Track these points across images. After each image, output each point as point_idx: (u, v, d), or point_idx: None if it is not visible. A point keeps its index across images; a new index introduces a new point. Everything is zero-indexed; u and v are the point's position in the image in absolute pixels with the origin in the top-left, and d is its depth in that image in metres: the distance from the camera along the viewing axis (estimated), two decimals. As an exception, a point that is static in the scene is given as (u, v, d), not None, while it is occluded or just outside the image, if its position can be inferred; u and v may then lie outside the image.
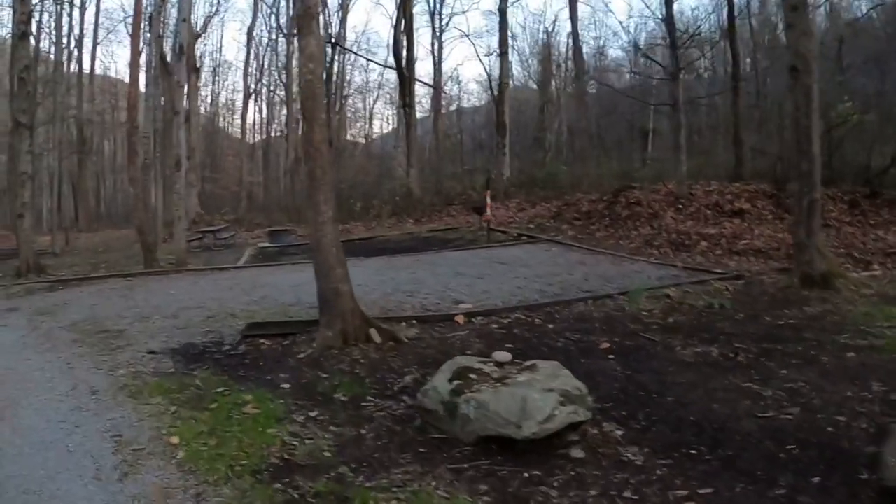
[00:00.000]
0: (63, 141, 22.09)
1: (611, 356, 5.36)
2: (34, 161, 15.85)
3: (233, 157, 37.04)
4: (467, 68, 79.57)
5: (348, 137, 37.82)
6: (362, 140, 42.55)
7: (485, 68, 33.52)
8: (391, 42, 24.69)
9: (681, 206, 13.61)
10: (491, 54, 33.17)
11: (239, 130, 42.51)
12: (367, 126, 43.58)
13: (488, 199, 15.20)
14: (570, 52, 24.37)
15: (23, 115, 13.80)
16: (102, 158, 38.20)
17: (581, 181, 20.24)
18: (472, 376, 3.88)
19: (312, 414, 4.20)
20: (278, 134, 38.65)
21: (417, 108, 39.03)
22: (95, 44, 32.31)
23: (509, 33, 26.04)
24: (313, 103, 6.27)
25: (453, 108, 39.05)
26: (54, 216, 20.52)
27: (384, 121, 44.02)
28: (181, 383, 4.89)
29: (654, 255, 10.73)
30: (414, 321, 6.63)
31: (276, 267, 11.78)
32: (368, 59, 34.56)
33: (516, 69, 34.22)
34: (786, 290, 7.89)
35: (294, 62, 34.01)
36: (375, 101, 40.92)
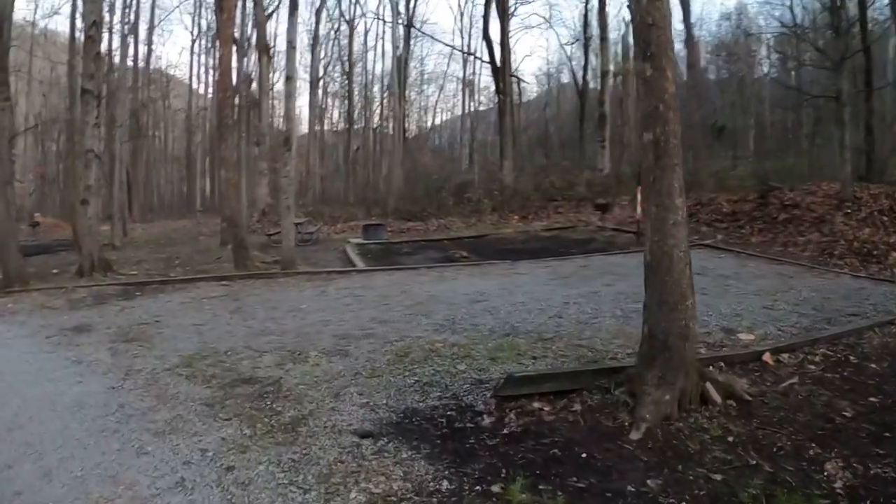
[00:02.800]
0: (122, 123, 19.84)
1: None
2: (99, 139, 13.49)
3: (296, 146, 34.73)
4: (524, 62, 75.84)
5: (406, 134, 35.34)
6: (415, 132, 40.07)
7: (568, 58, 30.31)
8: (481, 28, 21.96)
9: (849, 211, 11.84)
10: (572, 43, 30.09)
11: (296, 118, 40.40)
12: (431, 117, 41.07)
13: (639, 197, 12.60)
14: (684, 41, 21.16)
15: (89, 81, 11.39)
16: (154, 149, 36.47)
17: (702, 179, 17.72)
18: None
19: None
20: (330, 125, 36.52)
21: (483, 101, 36.63)
22: (152, 27, 30.61)
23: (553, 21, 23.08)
24: (661, 33, 3.72)
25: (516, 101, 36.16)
26: (115, 204, 18.09)
27: (439, 112, 41.32)
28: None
29: (841, 267, 9.33)
30: (722, 364, 4.58)
31: (410, 271, 9.09)
32: (452, 47, 32.03)
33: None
34: None
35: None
36: (440, 91, 38.11)
